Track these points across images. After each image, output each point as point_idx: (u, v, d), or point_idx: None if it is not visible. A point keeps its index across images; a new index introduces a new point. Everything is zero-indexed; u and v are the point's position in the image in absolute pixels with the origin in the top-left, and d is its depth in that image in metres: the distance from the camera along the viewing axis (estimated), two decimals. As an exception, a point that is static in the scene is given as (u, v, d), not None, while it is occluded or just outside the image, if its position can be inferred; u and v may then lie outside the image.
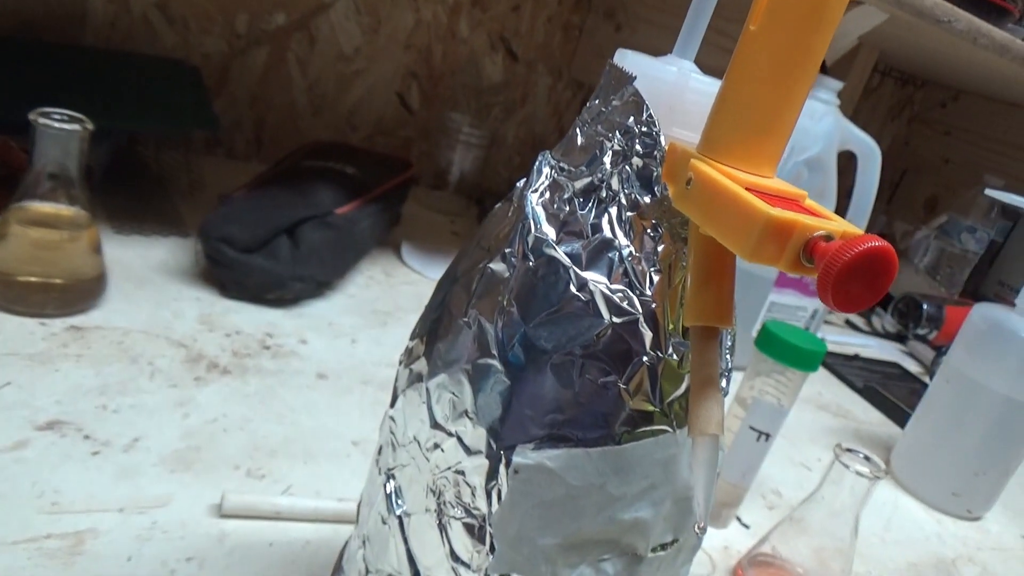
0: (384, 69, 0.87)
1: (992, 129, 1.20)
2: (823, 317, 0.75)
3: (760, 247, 0.17)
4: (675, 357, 0.21)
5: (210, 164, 0.79)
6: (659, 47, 0.23)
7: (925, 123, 1.30)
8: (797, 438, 0.63)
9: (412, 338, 0.25)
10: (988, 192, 0.72)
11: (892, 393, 0.76)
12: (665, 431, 0.21)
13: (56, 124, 0.44)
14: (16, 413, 0.38)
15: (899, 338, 0.99)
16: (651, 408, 0.21)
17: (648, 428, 0.21)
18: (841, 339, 0.91)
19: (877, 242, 0.16)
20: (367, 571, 0.26)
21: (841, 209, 0.65)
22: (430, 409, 0.23)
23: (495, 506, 0.21)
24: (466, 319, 0.22)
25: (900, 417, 0.72)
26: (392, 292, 0.66)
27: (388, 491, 0.24)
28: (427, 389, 0.23)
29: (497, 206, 0.25)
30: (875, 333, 0.99)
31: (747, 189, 0.18)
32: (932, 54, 0.86)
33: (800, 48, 0.18)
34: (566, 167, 0.22)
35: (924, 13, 0.60)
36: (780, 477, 0.56)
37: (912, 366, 0.90)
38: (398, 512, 0.24)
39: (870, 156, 0.70)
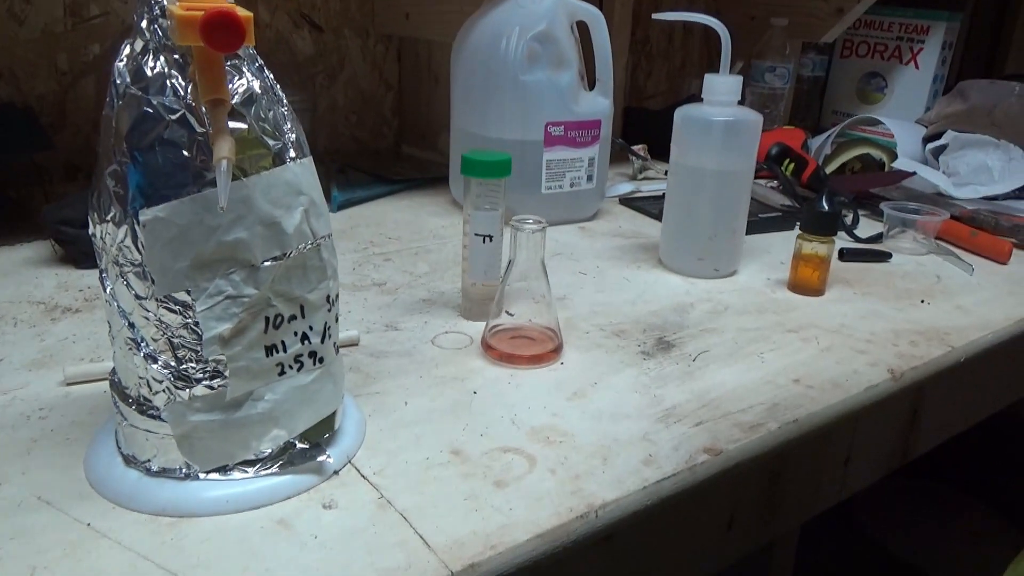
0: (203, 68, 0.99)
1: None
2: (606, 167, 0.88)
3: (186, 34, 0.30)
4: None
5: (74, 188, 0.91)
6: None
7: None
8: (583, 256, 0.77)
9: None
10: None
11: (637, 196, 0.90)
12: (235, 179, 0.34)
13: None
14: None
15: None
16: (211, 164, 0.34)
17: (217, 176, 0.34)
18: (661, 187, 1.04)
19: (221, 7, 0.29)
20: (112, 343, 0.39)
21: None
22: (97, 210, 0.36)
23: (143, 252, 0.34)
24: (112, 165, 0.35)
25: (657, 215, 0.86)
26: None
27: (105, 286, 0.37)
28: (94, 201, 0.36)
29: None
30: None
31: (187, 9, 0.31)
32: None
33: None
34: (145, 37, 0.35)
35: None
36: (556, 281, 0.69)
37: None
38: (107, 290, 0.37)
39: (596, 21, 0.83)
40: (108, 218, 0.35)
